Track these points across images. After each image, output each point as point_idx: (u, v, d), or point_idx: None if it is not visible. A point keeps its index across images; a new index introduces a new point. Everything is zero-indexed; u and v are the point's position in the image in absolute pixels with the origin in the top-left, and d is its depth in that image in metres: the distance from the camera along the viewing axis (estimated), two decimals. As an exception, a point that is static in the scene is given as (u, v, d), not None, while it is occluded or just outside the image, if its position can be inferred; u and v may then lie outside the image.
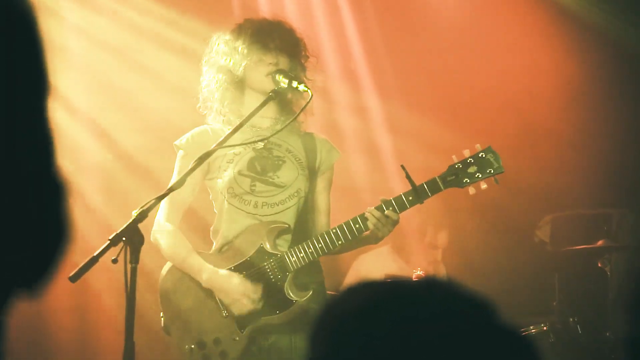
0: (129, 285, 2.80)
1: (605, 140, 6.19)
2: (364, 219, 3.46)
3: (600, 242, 5.41)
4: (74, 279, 2.80)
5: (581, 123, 6.26)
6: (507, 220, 6.27)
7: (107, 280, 5.32)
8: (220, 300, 3.51)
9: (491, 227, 6.25)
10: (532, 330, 5.10)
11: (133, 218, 2.89)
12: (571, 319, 5.32)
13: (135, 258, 2.83)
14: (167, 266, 3.65)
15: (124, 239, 2.84)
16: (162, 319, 3.62)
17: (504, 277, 5.77)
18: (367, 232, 3.51)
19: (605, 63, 6.21)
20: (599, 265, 5.48)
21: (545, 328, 5.15)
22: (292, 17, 5.91)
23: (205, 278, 3.51)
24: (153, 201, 3.01)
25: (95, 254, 2.81)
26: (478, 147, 3.53)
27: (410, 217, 5.93)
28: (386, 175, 6.24)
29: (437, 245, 5.92)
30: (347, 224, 3.48)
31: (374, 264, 5.88)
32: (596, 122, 6.23)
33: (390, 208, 3.45)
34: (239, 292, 3.46)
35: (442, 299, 1.14)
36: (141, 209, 2.93)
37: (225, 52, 3.62)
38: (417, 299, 1.14)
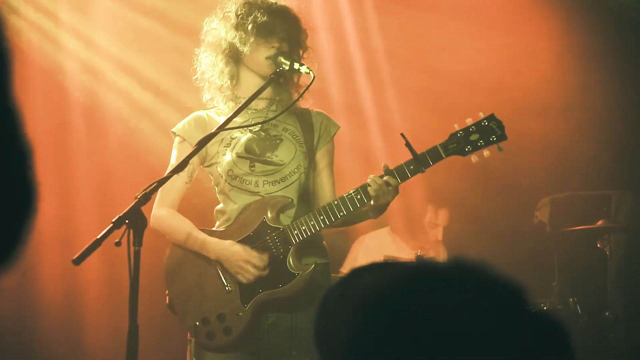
0: (132, 268, 2.80)
1: (604, 121, 6.18)
2: (365, 189, 3.44)
3: (599, 223, 5.43)
4: (77, 261, 2.78)
5: (579, 105, 6.25)
6: (506, 201, 6.28)
7: (99, 264, 5.36)
8: (225, 271, 3.52)
9: (491, 208, 6.26)
10: (532, 310, 5.12)
11: (136, 201, 2.88)
12: (570, 299, 5.35)
13: (138, 241, 2.82)
14: (171, 245, 3.67)
15: (127, 221, 2.83)
16: (167, 296, 3.64)
17: (504, 258, 5.78)
18: (369, 205, 3.47)
19: (597, 35, 6.18)
20: (598, 245, 5.50)
21: (544, 308, 5.18)
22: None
23: (210, 250, 3.53)
24: (155, 184, 3.00)
25: (98, 237, 2.78)
26: (481, 114, 3.48)
27: (410, 197, 5.95)
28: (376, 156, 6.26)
29: (438, 224, 5.92)
30: (349, 195, 3.46)
31: (373, 245, 5.89)
32: (595, 104, 6.22)
33: (391, 175, 3.42)
34: (243, 260, 3.47)
35: (474, 283, 1.12)
36: (144, 192, 2.92)
37: (232, 25, 3.59)
38: (447, 283, 1.12)
